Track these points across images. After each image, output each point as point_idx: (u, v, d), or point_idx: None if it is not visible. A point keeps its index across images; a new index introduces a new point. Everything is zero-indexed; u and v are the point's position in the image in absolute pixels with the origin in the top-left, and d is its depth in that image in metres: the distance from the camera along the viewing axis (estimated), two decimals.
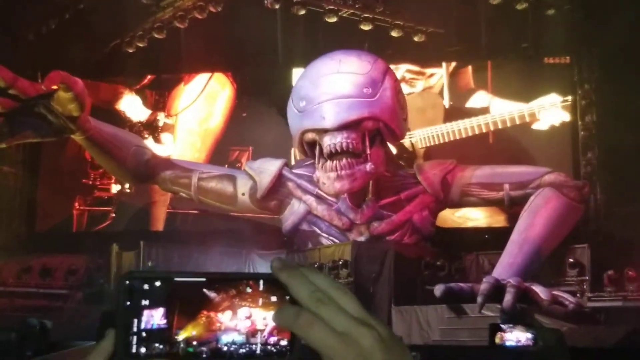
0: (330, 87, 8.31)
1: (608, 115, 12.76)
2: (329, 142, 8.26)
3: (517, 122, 13.84)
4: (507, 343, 6.74)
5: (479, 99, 14.91)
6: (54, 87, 6.80)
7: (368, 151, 8.48)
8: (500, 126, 13.84)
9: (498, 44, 14.81)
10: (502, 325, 6.94)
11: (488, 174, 10.82)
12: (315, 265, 12.80)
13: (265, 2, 15.42)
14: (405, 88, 13.29)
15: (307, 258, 12.88)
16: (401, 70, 14.49)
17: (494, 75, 15.13)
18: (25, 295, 13.40)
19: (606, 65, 13.22)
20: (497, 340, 6.76)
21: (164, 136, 16.18)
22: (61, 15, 15.26)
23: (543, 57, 15.35)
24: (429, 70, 15.54)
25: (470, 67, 15.66)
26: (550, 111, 13.91)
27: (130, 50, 16.38)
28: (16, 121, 6.91)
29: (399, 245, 10.92)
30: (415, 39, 15.79)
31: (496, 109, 14.28)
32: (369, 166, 8.57)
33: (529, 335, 6.50)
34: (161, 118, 16.52)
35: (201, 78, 16.94)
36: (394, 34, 15.68)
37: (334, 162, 8.37)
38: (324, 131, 8.27)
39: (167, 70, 17.19)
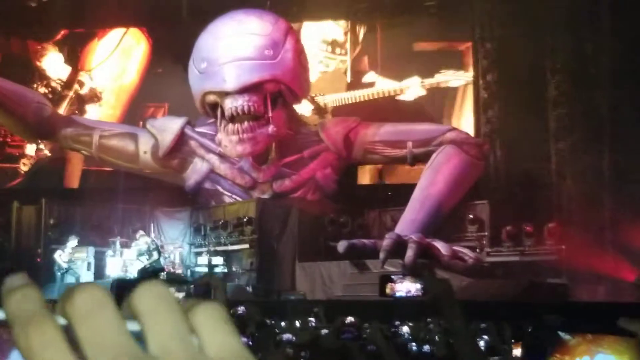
0: (231, 49, 8.23)
1: (508, 74, 12.94)
2: (230, 104, 8.22)
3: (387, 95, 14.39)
4: (398, 294, 6.90)
5: (370, 77, 15.29)
6: None
7: (270, 114, 8.46)
8: (377, 96, 14.39)
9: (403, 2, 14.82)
10: (392, 277, 7.09)
11: (391, 131, 10.90)
12: (220, 223, 12.82)
13: None
14: (321, 67, 13.47)
15: (212, 215, 12.86)
16: (320, 55, 14.45)
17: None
18: None
19: (506, 24, 13.34)
20: (387, 290, 6.92)
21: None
22: None
23: (446, 15, 15.54)
24: (338, 57, 15.53)
25: (366, 57, 15.84)
26: (413, 89, 14.23)
27: (39, 1, 15.84)
28: None
29: (302, 203, 10.98)
30: None
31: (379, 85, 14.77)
32: (270, 128, 8.57)
33: (418, 285, 6.67)
34: (84, 79, 15.78)
35: (116, 34, 16.40)
36: None
37: (236, 125, 8.33)
38: (225, 93, 8.22)
39: (80, 25, 16.57)
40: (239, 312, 5.78)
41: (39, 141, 14.35)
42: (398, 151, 10.79)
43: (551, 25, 12.12)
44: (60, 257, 12.14)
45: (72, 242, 12.17)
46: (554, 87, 12.03)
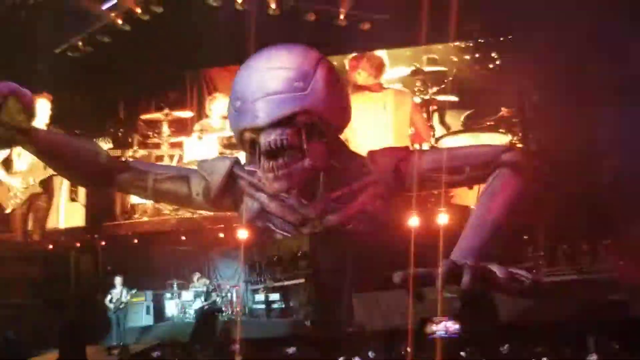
0: (261, 85, 8.16)
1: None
2: (264, 140, 8.17)
3: None
4: (438, 333, 6.95)
5: None
6: (2, 99, 6.67)
7: (305, 146, 8.36)
8: None
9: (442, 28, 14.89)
10: (431, 318, 7.15)
11: (447, 157, 10.73)
12: (274, 259, 12.89)
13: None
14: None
15: (266, 252, 12.94)
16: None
17: None
18: None
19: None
20: (427, 330, 6.96)
21: None
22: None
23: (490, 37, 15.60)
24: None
25: None
26: None
27: (76, 56, 16.31)
28: None
29: (355, 234, 10.94)
30: (362, 26, 15.91)
31: None
32: (306, 162, 8.45)
33: (457, 326, 6.71)
34: None
35: None
36: (340, 23, 15.78)
37: (271, 162, 8.27)
38: (259, 130, 8.20)
39: None
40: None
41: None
42: (456, 177, 10.64)
43: None
44: (111, 301, 12.27)
45: (118, 284, 12.27)
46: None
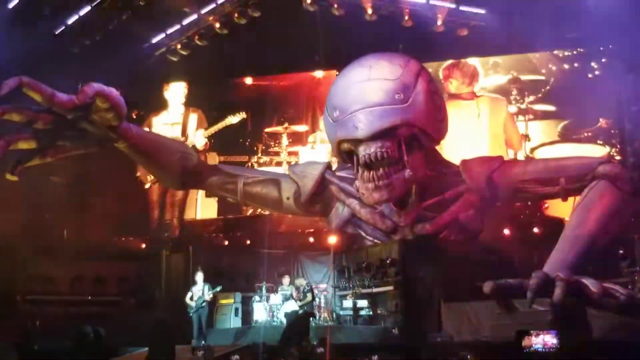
0: (361, 96, 8.12)
1: None
2: (364, 152, 8.12)
3: None
4: (535, 346, 6.78)
5: None
6: (90, 99, 6.82)
7: (405, 158, 8.29)
8: None
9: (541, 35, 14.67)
10: (529, 330, 6.99)
11: (542, 168, 10.54)
12: (363, 265, 12.84)
13: (304, 4, 15.50)
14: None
15: (355, 258, 12.91)
16: None
17: None
18: (79, 303, 13.59)
19: None
20: (524, 343, 6.79)
21: None
22: (104, 27, 15.39)
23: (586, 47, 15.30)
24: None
25: None
26: None
27: (174, 59, 16.62)
28: (60, 135, 6.94)
29: (447, 243, 10.82)
30: (459, 33, 15.75)
31: None
32: (407, 173, 8.41)
33: (555, 340, 6.53)
34: None
35: None
36: (437, 29, 15.64)
37: (371, 172, 8.23)
38: (358, 141, 8.14)
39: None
40: None
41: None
42: (551, 188, 10.44)
43: None
44: (191, 298, 12.23)
45: (199, 280, 12.23)
46: None
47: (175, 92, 16.82)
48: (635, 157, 12.72)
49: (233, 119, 15.87)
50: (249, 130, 17.06)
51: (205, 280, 12.32)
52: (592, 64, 15.67)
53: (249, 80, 17.78)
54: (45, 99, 6.14)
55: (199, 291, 12.22)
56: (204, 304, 12.24)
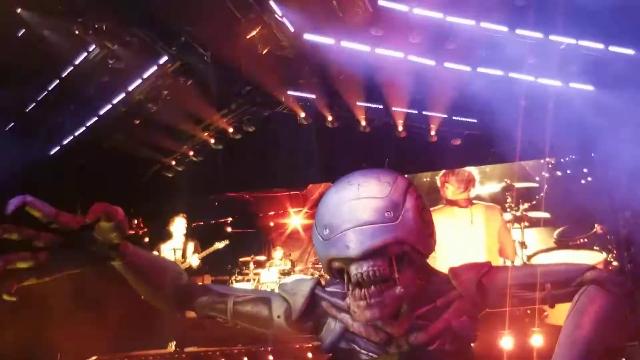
0: (351, 214, 8.13)
1: None
2: (356, 271, 8.09)
3: None
4: None
5: None
6: (95, 218, 6.75)
7: (396, 275, 8.30)
8: None
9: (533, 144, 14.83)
10: None
11: (527, 273, 10.49)
12: None
13: (298, 118, 15.77)
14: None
15: None
16: None
17: None
18: None
19: None
20: None
21: None
22: (99, 147, 15.64)
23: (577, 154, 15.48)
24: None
25: None
26: None
27: (170, 175, 16.83)
28: (59, 255, 6.86)
29: (443, 355, 10.67)
30: (452, 142, 15.97)
31: None
32: (398, 290, 8.36)
33: None
34: None
35: None
36: (430, 139, 15.86)
37: (362, 290, 8.20)
38: (349, 260, 8.17)
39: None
40: None
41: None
42: (536, 294, 10.42)
43: None
44: None
45: None
46: None
47: (178, 225, 18.10)
48: (632, 263, 12.73)
49: (220, 245, 17.60)
50: (229, 257, 18.43)
51: None
52: (584, 169, 15.83)
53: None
54: (48, 218, 6.10)
55: None
56: None
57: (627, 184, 12.81)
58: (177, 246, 17.87)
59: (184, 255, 17.63)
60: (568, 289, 10.27)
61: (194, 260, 17.32)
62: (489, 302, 10.67)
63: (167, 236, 18.22)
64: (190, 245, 17.73)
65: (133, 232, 17.73)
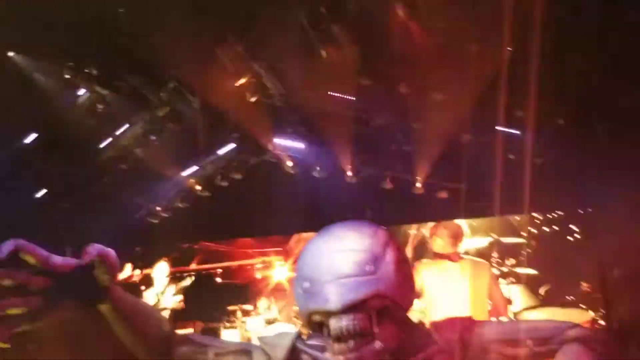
0: (331, 267, 8.07)
1: None
2: (335, 324, 8.02)
3: None
4: None
5: None
6: (89, 260, 6.67)
7: (376, 329, 8.21)
8: None
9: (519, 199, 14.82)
10: None
11: (508, 329, 10.42)
12: None
13: (285, 167, 15.78)
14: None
15: None
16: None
17: None
18: None
19: None
20: None
21: None
22: (83, 192, 15.60)
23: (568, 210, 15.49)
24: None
25: None
26: None
27: (155, 221, 16.75)
28: (50, 299, 6.74)
29: None
30: (438, 195, 15.97)
31: None
32: (377, 344, 8.24)
33: None
34: None
35: None
36: (416, 191, 15.86)
37: (341, 344, 8.11)
38: (329, 313, 8.09)
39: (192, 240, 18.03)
40: None
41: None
42: (517, 350, 10.31)
43: None
44: None
45: None
46: None
47: (160, 270, 18.28)
48: (619, 324, 12.65)
49: (186, 282, 18.44)
50: (219, 305, 18.84)
51: None
52: (571, 226, 15.82)
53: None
54: (41, 262, 6.00)
55: None
56: None
57: (616, 241, 12.81)
58: (159, 290, 17.96)
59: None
60: (550, 346, 10.21)
61: (168, 301, 17.51)
62: (470, 358, 10.55)
63: (150, 282, 18.19)
64: (171, 289, 17.93)
65: (131, 278, 17.77)
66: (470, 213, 16.23)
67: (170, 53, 12.33)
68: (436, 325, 11.00)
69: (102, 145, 14.79)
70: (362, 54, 12.55)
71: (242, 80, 13.51)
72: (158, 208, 16.73)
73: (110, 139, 14.68)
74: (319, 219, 14.25)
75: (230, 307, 18.44)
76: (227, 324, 17.89)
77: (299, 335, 10.28)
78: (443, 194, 15.91)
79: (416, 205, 16.01)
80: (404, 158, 15.69)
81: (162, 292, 17.75)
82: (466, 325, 11.05)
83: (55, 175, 15.19)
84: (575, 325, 10.91)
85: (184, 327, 16.87)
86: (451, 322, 11.27)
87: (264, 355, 10.50)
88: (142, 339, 10.25)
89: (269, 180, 15.99)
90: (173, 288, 17.69)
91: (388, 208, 15.49)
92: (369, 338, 9.26)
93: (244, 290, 18.95)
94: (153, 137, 14.91)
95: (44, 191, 15.37)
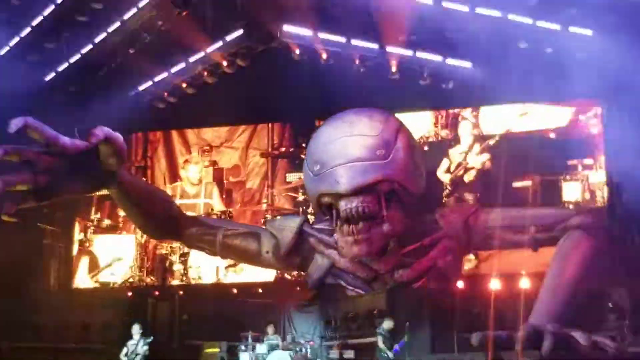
0: (343, 151, 8.17)
1: None
2: (345, 206, 8.11)
3: None
4: None
5: None
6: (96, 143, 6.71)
7: (384, 213, 8.34)
8: None
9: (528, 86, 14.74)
10: None
11: (513, 216, 10.49)
12: (350, 315, 12.75)
13: (293, 53, 15.67)
14: None
15: (341, 309, 12.84)
16: None
17: None
18: (65, 351, 13.50)
19: None
20: None
21: None
22: (95, 72, 15.54)
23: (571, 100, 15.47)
24: None
25: None
26: None
27: (161, 106, 16.72)
28: (57, 179, 6.81)
29: (432, 292, 10.74)
30: (444, 85, 15.93)
31: None
32: (385, 227, 8.38)
33: None
34: None
35: None
36: (423, 82, 15.82)
37: (351, 226, 8.23)
38: (339, 195, 8.18)
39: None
40: None
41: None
42: (520, 236, 10.38)
43: None
44: (126, 354, 12.00)
45: (136, 334, 12.11)
46: None
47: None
48: (623, 210, 12.68)
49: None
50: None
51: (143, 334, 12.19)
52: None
53: None
54: (49, 141, 6.05)
55: (133, 345, 12.09)
56: (137, 358, 12.09)
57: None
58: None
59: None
60: (552, 233, 10.19)
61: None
62: (474, 242, 10.51)
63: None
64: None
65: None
66: (478, 101, 16.29)
67: None
68: (442, 212, 10.95)
69: (110, 29, 14.61)
70: None
71: None
72: (165, 93, 16.67)
73: (118, 23, 14.50)
74: (326, 107, 14.27)
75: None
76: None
77: (306, 220, 10.23)
78: (450, 84, 15.89)
79: (423, 94, 16.05)
80: (413, 47, 15.57)
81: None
82: (471, 211, 11.02)
83: (63, 58, 15.10)
84: (579, 213, 10.89)
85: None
86: (457, 208, 11.25)
87: (272, 239, 10.49)
88: (150, 220, 10.28)
89: (276, 68, 15.87)
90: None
91: (396, 96, 15.43)
92: (377, 220, 9.22)
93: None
94: (160, 23, 14.74)
95: (51, 74, 15.29)
